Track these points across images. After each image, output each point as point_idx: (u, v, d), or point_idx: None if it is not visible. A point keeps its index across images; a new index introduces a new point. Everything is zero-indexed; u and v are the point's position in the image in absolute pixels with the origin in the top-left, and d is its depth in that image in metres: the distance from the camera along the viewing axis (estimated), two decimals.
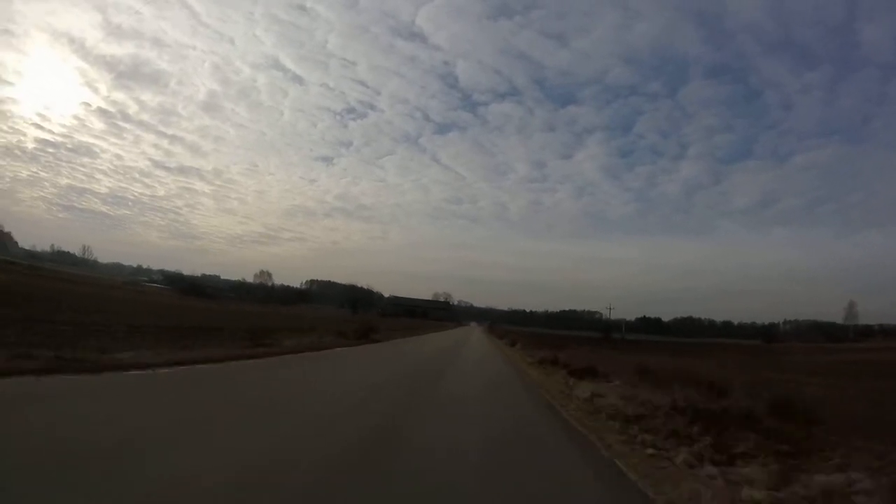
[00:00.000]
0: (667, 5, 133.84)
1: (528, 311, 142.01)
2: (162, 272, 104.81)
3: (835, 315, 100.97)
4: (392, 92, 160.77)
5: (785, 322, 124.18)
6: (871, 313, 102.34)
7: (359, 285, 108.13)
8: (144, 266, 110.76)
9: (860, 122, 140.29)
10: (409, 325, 55.70)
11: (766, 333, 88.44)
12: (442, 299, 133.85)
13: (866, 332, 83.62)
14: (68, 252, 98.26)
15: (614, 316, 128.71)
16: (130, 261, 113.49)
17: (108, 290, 44.33)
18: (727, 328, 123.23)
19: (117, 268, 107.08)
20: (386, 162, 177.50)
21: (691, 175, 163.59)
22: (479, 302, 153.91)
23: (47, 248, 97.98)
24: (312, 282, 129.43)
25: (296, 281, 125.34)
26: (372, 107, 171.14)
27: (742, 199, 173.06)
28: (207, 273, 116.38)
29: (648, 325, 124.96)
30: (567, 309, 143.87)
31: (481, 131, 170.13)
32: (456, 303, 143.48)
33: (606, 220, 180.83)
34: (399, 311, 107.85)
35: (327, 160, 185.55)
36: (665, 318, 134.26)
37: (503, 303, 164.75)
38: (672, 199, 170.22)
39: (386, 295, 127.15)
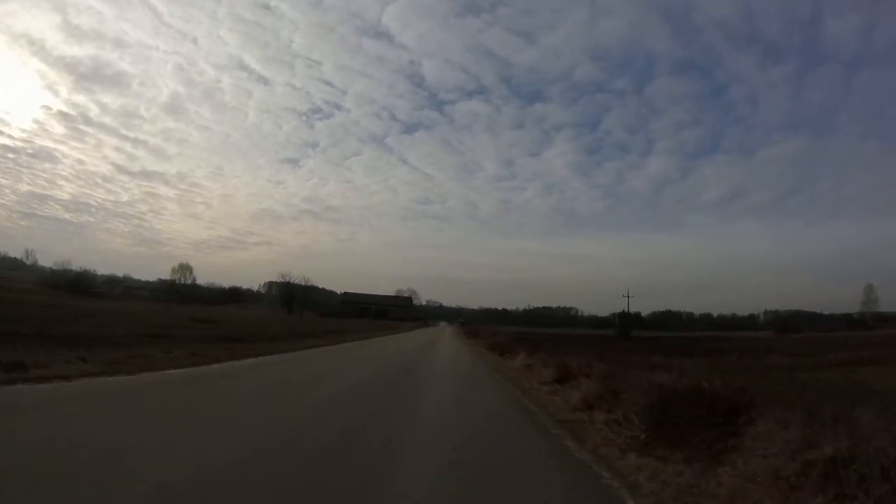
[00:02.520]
0: (634, 2, 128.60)
1: (499, 308, 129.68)
2: (111, 277, 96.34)
3: (814, 304, 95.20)
4: (358, 92, 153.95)
5: (766, 312, 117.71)
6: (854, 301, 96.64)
7: (293, 281, 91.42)
8: (92, 271, 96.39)
9: (826, 114, 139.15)
10: (337, 327, 39.95)
11: (781, 324, 78.64)
12: (406, 295, 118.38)
13: (881, 318, 75.01)
14: (15, 258, 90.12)
15: (588, 312, 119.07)
16: (93, 268, 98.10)
17: None
18: (707, 321, 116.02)
19: (64, 272, 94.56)
20: (353, 163, 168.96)
21: (659, 170, 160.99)
22: (450, 301, 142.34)
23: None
24: (271, 283, 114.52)
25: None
26: (338, 107, 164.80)
27: (711, 193, 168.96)
28: (164, 278, 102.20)
29: (629, 320, 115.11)
30: (541, 306, 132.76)
31: (449, 130, 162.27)
32: (424, 302, 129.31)
33: (577, 216, 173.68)
34: (350, 310, 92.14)
35: (293, 162, 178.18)
36: (641, 313, 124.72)
37: (474, 302, 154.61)
38: (641, 194, 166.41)
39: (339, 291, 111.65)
